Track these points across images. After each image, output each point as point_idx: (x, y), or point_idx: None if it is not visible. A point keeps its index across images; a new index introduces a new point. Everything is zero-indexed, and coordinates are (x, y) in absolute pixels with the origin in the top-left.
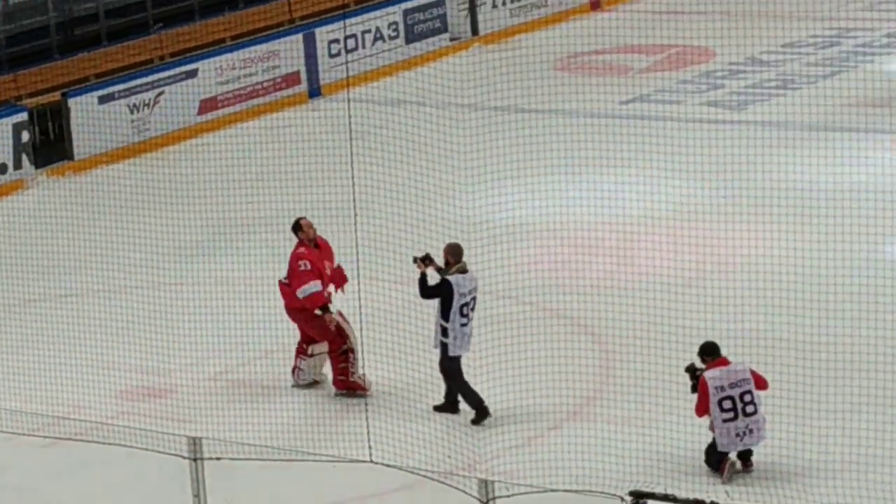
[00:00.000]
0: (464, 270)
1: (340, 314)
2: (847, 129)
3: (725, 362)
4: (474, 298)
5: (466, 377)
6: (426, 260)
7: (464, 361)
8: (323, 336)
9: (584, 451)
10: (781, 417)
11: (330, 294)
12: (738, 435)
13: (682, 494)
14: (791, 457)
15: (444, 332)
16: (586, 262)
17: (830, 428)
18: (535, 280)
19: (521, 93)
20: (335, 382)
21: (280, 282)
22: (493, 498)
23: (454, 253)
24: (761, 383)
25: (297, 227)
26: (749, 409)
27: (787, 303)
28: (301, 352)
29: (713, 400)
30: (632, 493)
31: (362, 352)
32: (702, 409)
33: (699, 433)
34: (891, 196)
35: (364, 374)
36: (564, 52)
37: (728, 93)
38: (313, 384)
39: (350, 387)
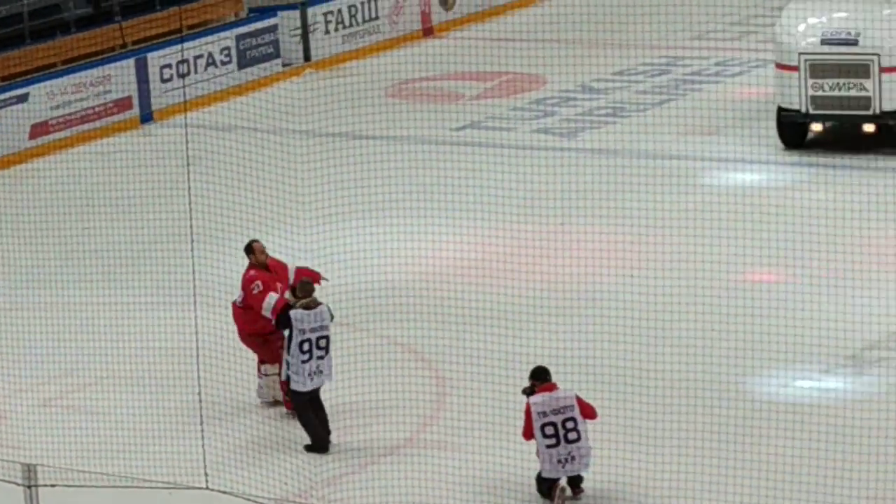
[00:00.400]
0: (310, 306)
1: None
2: (677, 156)
3: (552, 388)
4: (324, 337)
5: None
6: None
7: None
8: (273, 359)
9: (418, 477)
10: (614, 444)
11: None
12: (559, 461)
13: None
14: (623, 483)
15: (287, 365)
16: (422, 289)
17: (663, 456)
18: (372, 308)
19: (354, 119)
20: (285, 403)
21: (234, 304)
22: None
23: (301, 287)
24: (588, 411)
25: (249, 249)
26: (571, 435)
27: (622, 330)
28: (258, 371)
29: (536, 425)
30: None
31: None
32: (527, 433)
33: (533, 460)
34: (722, 223)
35: None
36: (396, 78)
37: (560, 120)
38: (274, 403)
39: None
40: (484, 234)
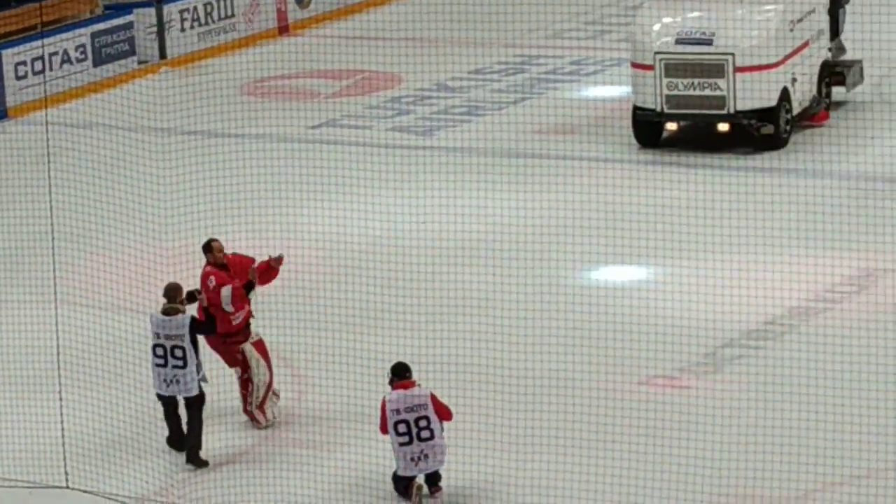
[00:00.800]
0: (168, 312)
1: (257, 345)
2: (533, 155)
3: (409, 385)
4: (180, 347)
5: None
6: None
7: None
8: (231, 363)
9: (276, 475)
10: (475, 443)
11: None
12: (413, 459)
13: None
14: (482, 482)
15: None
16: (280, 287)
17: (521, 454)
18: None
19: (210, 117)
20: (243, 408)
21: (201, 309)
22: None
23: (167, 292)
24: (442, 412)
25: (207, 248)
26: (424, 434)
27: (481, 328)
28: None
29: (389, 422)
30: None
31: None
32: (382, 428)
33: (391, 457)
34: (577, 221)
35: (267, 410)
36: (252, 76)
37: (416, 118)
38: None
39: (249, 415)
40: (341, 233)
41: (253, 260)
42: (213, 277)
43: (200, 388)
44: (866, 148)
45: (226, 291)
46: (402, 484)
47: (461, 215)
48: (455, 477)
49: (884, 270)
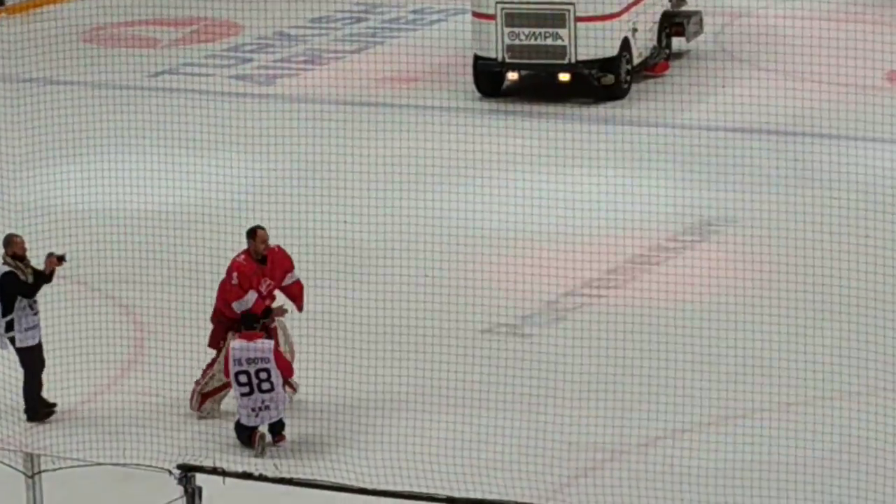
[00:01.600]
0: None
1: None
2: (375, 103)
3: (253, 337)
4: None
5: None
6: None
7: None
8: (212, 344)
9: (129, 424)
10: (320, 391)
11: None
12: (254, 410)
13: (230, 467)
14: (326, 430)
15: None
16: (122, 234)
17: (364, 403)
18: (72, 254)
19: (49, 65)
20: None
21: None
22: (39, 472)
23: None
24: (284, 367)
25: (252, 234)
26: (265, 385)
27: (332, 275)
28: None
29: (231, 372)
30: (180, 467)
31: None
32: (226, 373)
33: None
34: (420, 170)
35: (208, 403)
36: (92, 23)
37: (256, 67)
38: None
39: (192, 393)
40: (185, 181)
41: (291, 263)
42: (237, 275)
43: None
44: (707, 97)
45: (249, 298)
46: (245, 434)
47: (308, 163)
48: (300, 425)
49: (723, 219)
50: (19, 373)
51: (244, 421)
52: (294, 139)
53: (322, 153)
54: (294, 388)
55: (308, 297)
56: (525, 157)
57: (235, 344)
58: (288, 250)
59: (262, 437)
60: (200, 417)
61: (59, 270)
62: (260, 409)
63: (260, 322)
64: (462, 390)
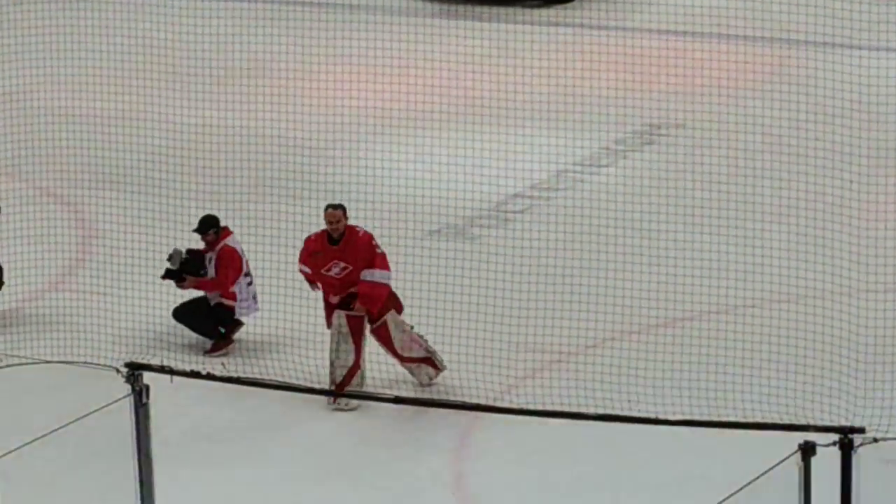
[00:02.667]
0: None
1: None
2: (320, 3)
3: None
4: None
5: None
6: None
7: None
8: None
9: (72, 322)
10: (269, 295)
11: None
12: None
13: (178, 366)
14: (275, 332)
15: None
16: (73, 140)
17: (311, 305)
18: (36, 161)
19: None
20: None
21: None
22: None
23: None
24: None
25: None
26: None
27: (275, 175)
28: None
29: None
30: (127, 365)
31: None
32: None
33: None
34: (359, 76)
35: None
36: None
37: None
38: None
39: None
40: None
41: (372, 259)
42: (302, 251)
43: None
44: (658, 2)
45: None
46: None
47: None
48: (248, 329)
49: (671, 124)
50: None
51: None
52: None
53: (267, 54)
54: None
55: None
56: (471, 59)
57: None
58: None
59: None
60: (337, 409)
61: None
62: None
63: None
64: (410, 292)
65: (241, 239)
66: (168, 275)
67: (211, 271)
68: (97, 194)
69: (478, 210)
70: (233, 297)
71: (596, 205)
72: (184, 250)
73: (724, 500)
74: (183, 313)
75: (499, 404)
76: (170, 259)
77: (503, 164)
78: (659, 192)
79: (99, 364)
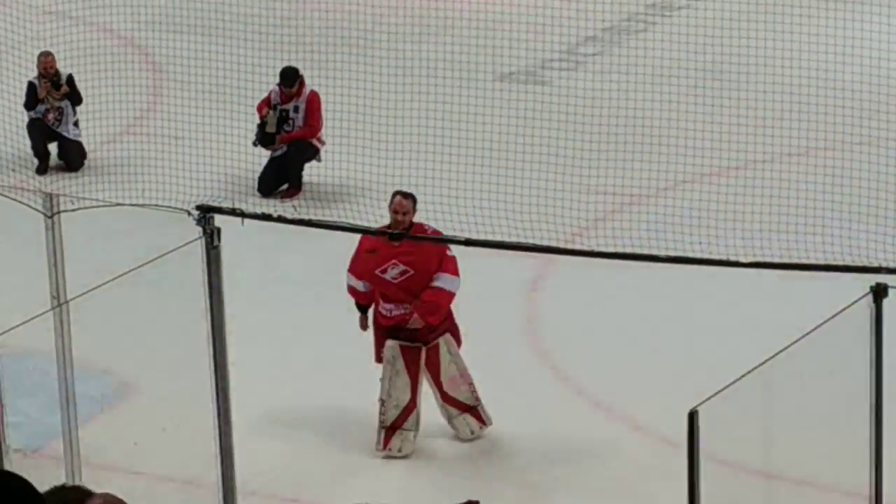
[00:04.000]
0: None
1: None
2: None
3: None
4: None
5: None
6: None
7: None
8: (378, 358)
9: (146, 166)
10: (339, 140)
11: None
12: None
13: (249, 209)
14: (345, 177)
15: None
16: None
17: (381, 148)
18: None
19: None
20: None
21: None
22: (59, 212)
23: None
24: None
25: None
26: None
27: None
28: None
29: None
30: (199, 208)
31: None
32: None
33: (254, 153)
34: None
35: (394, 440)
36: None
37: None
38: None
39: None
40: None
41: (442, 262)
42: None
43: None
44: None
45: (348, 280)
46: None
47: None
48: (319, 173)
49: None
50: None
51: None
52: None
53: None
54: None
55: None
56: None
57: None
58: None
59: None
60: (388, 457)
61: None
62: None
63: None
64: (479, 138)
65: (316, 88)
66: (263, 140)
67: (298, 120)
68: (169, 38)
69: (549, 52)
70: (321, 140)
71: (668, 47)
72: (274, 112)
73: (794, 342)
74: (269, 183)
75: (570, 247)
76: (264, 124)
77: (576, 6)
78: (732, 35)
79: (171, 207)
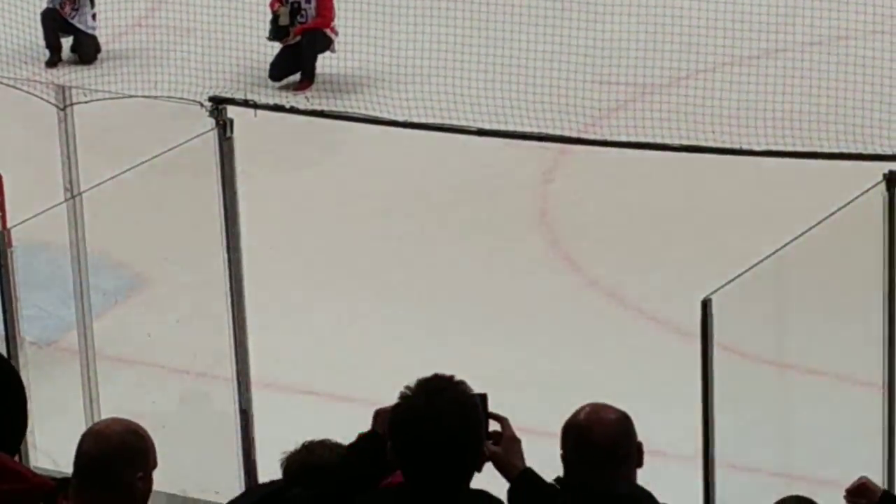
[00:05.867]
0: None
1: None
2: None
3: None
4: None
5: None
6: None
7: None
8: None
9: (160, 58)
10: (352, 31)
11: None
12: None
13: (261, 101)
14: (358, 68)
15: None
16: None
17: (395, 40)
18: None
19: None
20: None
21: None
22: (71, 104)
23: None
24: None
25: None
26: None
27: None
28: None
29: None
30: (211, 99)
31: None
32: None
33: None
34: None
35: None
36: None
37: None
38: None
39: None
40: None
41: None
42: None
43: None
44: None
45: None
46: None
47: None
48: (332, 65)
49: None
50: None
51: None
52: None
53: None
54: None
55: None
56: None
57: None
58: None
59: None
60: None
61: None
62: None
63: None
64: (494, 28)
65: None
66: (277, 33)
67: (311, 10)
68: None
69: None
70: (334, 31)
71: None
72: (286, 5)
73: (807, 230)
74: (280, 68)
75: (584, 136)
76: (276, 18)
77: None
78: None
79: (183, 98)
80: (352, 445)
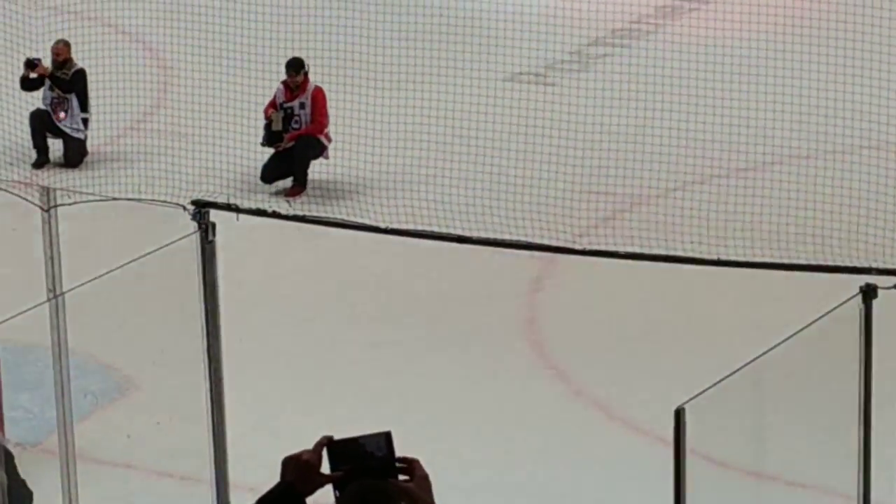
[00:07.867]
0: None
1: None
2: None
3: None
4: None
5: None
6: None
7: None
8: None
9: (144, 162)
10: (339, 136)
11: None
12: None
13: (244, 205)
14: (342, 174)
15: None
16: None
17: (381, 146)
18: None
19: None
20: None
21: None
22: (55, 206)
23: None
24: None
25: None
26: None
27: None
28: None
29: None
30: (194, 203)
31: None
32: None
33: (259, 150)
34: None
35: None
36: None
37: None
38: None
39: None
40: None
41: None
42: None
43: None
44: None
45: None
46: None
47: None
48: (317, 171)
49: None
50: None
51: None
52: None
53: None
54: None
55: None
56: None
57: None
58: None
59: None
60: None
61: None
62: None
63: None
64: (486, 137)
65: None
66: (270, 139)
67: (304, 117)
68: (176, 35)
69: (557, 54)
70: (328, 137)
71: (675, 53)
72: (281, 112)
73: (784, 341)
74: (272, 171)
75: (572, 246)
76: (270, 124)
77: (585, 6)
78: (742, 38)
79: (166, 201)
80: (262, 499)
